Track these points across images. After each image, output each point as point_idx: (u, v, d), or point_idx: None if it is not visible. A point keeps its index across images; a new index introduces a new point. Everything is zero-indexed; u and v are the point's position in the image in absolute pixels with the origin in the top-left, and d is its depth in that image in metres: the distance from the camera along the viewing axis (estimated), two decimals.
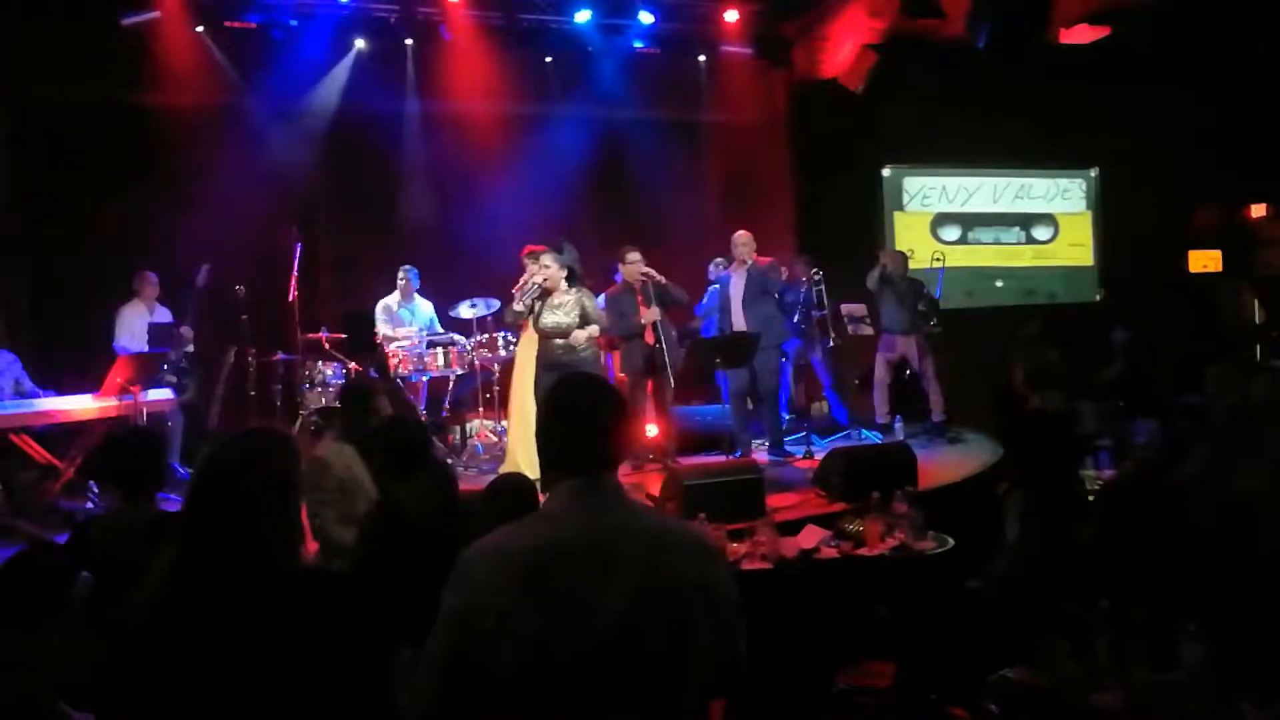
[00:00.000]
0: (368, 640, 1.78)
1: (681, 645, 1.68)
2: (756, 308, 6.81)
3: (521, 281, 6.04)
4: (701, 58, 9.26)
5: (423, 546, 2.94)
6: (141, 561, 2.80)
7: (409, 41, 8.32)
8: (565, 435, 1.81)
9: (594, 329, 5.82)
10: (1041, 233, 10.99)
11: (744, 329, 6.74)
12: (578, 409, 1.83)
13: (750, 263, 6.88)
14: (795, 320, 7.46)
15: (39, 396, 6.01)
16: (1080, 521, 3.70)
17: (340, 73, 8.13)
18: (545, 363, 5.88)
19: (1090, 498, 4.06)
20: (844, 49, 8.77)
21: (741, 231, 7.00)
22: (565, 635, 1.61)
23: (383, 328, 7.26)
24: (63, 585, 2.63)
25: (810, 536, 4.32)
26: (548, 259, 5.78)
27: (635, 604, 1.65)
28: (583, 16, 8.47)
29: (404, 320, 7.44)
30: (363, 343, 4.00)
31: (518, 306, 5.82)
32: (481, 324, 7.29)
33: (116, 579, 2.80)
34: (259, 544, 1.75)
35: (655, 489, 5.70)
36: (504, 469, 6.05)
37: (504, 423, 7.24)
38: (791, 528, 4.65)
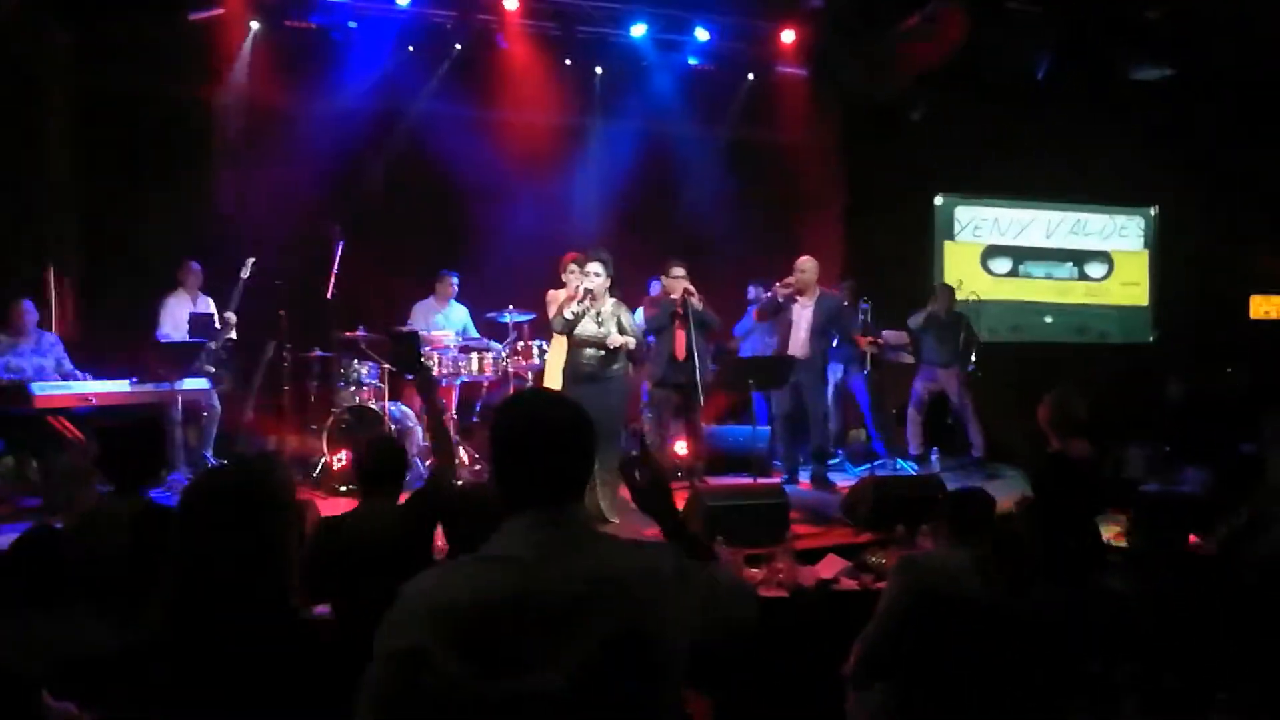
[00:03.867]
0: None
1: (654, 681, 1.55)
2: (821, 339, 6.74)
3: (571, 289, 5.97)
4: (755, 76, 9.20)
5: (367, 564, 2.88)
6: (123, 554, 2.80)
7: (459, 47, 8.34)
8: (522, 461, 1.59)
9: (629, 339, 5.75)
10: (1095, 270, 10.73)
11: (806, 358, 6.65)
12: (536, 431, 1.61)
13: (820, 292, 6.80)
14: (836, 344, 7.34)
15: (78, 379, 6.11)
16: (1100, 572, 3.57)
17: (394, 76, 8.19)
18: (574, 373, 5.82)
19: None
20: (901, 75, 8.67)
21: (808, 258, 6.88)
22: (518, 700, 1.43)
23: (418, 328, 7.28)
24: (62, 570, 2.62)
25: (830, 566, 4.22)
26: (598, 267, 5.72)
27: (600, 657, 1.48)
28: (638, 31, 8.46)
29: (439, 324, 7.46)
30: (410, 362, 3.92)
31: (568, 314, 5.73)
32: (517, 331, 7.27)
33: (96, 571, 2.80)
34: (248, 577, 1.69)
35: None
36: None
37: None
38: (815, 556, 4.55)
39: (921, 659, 2.70)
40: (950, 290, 8.04)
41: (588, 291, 5.68)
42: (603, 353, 5.71)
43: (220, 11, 7.67)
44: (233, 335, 6.96)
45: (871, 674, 2.82)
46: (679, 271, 6.44)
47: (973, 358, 7.72)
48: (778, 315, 6.84)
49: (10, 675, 2.18)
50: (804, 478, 6.86)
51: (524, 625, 1.45)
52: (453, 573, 1.53)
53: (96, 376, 6.21)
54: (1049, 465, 4.02)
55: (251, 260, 6.96)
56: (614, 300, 5.85)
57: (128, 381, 6.16)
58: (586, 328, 5.72)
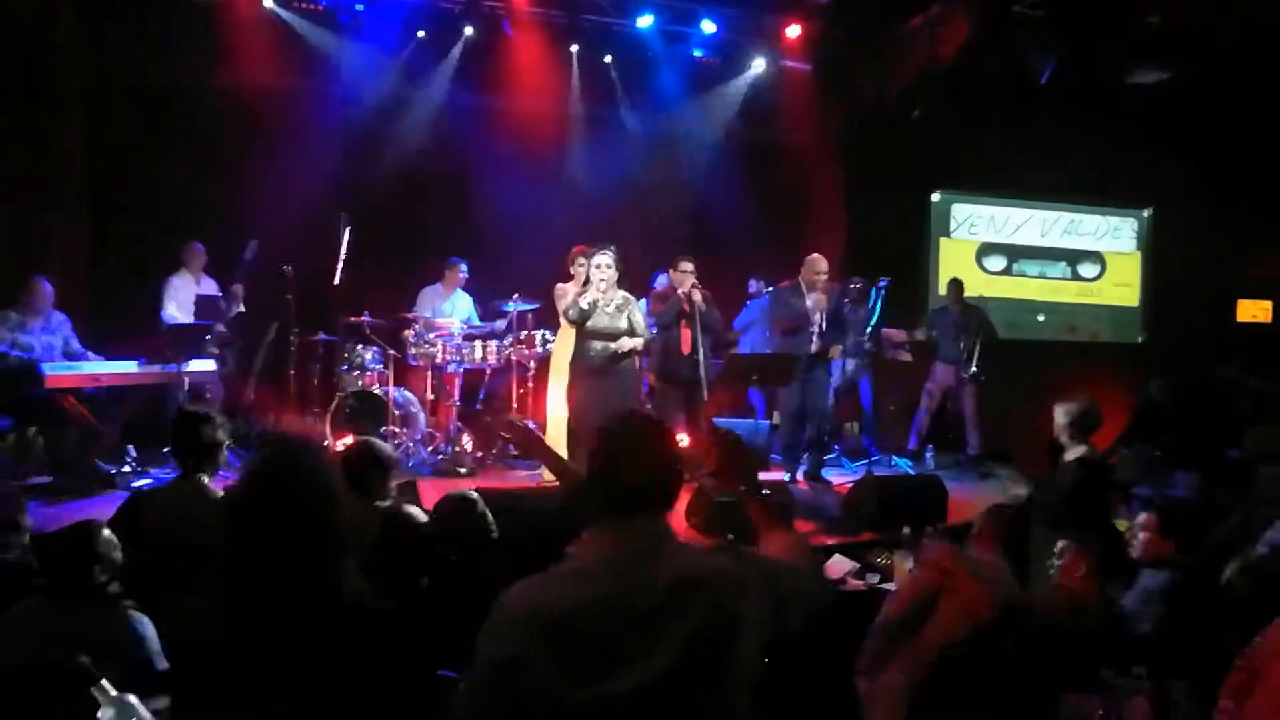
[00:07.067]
0: (408, 674, 1.78)
1: (729, 679, 1.66)
2: (835, 330, 6.81)
3: (582, 280, 6.01)
4: (760, 71, 9.23)
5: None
6: (189, 540, 2.85)
7: (469, 32, 8.32)
8: (617, 476, 1.74)
9: (638, 340, 5.82)
10: (1088, 270, 10.88)
11: (819, 351, 6.71)
12: (632, 449, 1.77)
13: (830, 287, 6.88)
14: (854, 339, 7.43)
15: (87, 359, 6.12)
16: (1115, 576, 3.67)
17: (402, 61, 8.17)
18: (582, 365, 5.89)
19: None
20: (904, 73, 8.73)
21: (819, 255, 6.92)
22: (601, 700, 1.55)
23: (422, 315, 7.32)
24: (113, 560, 2.68)
25: (838, 568, 4.31)
26: (609, 259, 5.78)
27: (682, 657, 1.60)
28: (645, 21, 8.47)
29: (444, 311, 7.50)
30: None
31: (583, 304, 5.78)
32: (521, 320, 7.32)
33: (163, 555, 2.86)
34: (305, 568, 1.71)
35: (681, 503, 5.71)
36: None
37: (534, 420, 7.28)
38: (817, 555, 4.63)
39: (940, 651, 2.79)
40: (957, 283, 8.13)
41: (604, 282, 5.74)
42: (613, 346, 5.78)
43: None
44: (240, 308, 6.97)
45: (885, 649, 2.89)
46: (687, 266, 6.53)
47: (975, 358, 7.76)
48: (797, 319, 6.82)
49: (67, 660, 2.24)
50: (801, 475, 6.94)
51: (611, 631, 1.59)
52: (545, 583, 1.66)
53: (103, 357, 6.23)
54: (1080, 469, 4.10)
55: (255, 242, 6.96)
56: (623, 293, 5.92)
57: (135, 362, 6.19)
58: (599, 320, 5.78)
